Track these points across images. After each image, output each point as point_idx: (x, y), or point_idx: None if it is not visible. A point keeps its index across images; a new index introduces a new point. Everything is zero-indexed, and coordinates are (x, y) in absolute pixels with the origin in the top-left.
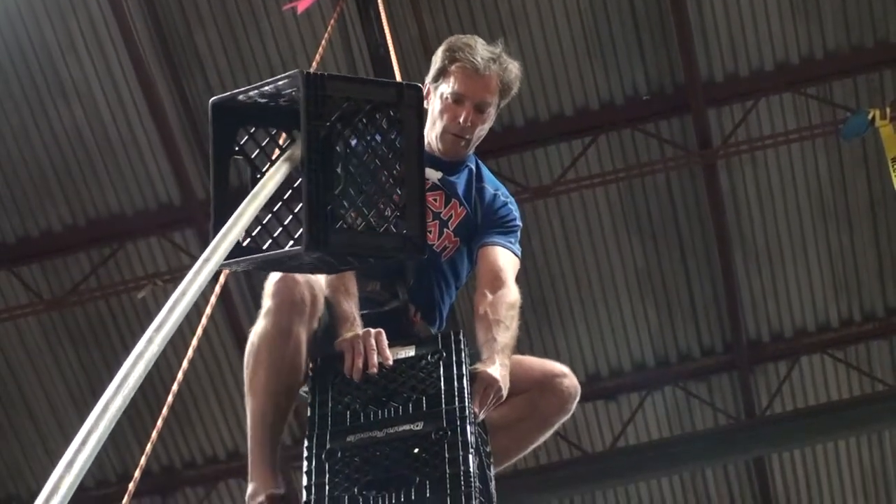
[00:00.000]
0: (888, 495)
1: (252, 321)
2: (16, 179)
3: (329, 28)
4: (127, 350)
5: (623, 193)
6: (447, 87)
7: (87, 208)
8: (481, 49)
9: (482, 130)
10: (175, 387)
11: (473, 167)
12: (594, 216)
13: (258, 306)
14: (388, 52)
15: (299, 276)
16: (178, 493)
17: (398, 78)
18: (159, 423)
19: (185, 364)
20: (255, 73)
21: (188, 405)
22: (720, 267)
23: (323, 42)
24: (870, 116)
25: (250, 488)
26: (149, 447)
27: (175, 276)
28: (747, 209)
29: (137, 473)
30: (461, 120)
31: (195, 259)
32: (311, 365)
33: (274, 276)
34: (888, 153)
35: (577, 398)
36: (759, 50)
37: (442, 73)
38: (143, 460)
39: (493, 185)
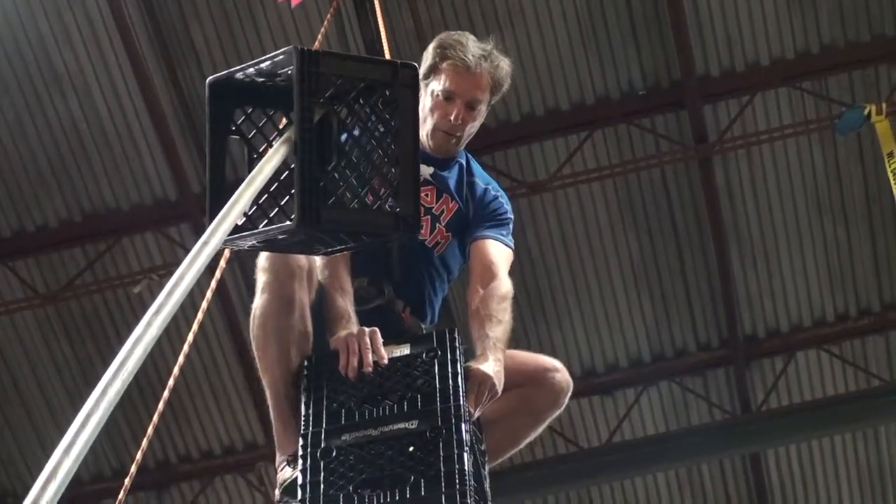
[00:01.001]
0: (883, 490)
1: (247, 314)
2: (11, 173)
3: (325, 22)
4: (122, 344)
5: (619, 188)
6: (438, 85)
7: (83, 203)
8: (472, 46)
9: (473, 128)
10: (171, 381)
11: (464, 162)
12: (590, 211)
13: (253, 298)
14: (383, 46)
15: None
16: (173, 488)
17: None
18: (155, 417)
19: (180, 358)
20: None
21: (184, 400)
22: (716, 262)
23: (319, 36)
24: (865, 111)
25: (278, 459)
26: (145, 442)
27: (171, 270)
28: (743, 204)
29: (133, 468)
30: (452, 117)
31: None
32: (305, 363)
33: None
34: (884, 148)
35: (570, 393)
36: (755, 45)
37: (433, 71)
38: (139, 455)
39: (483, 180)
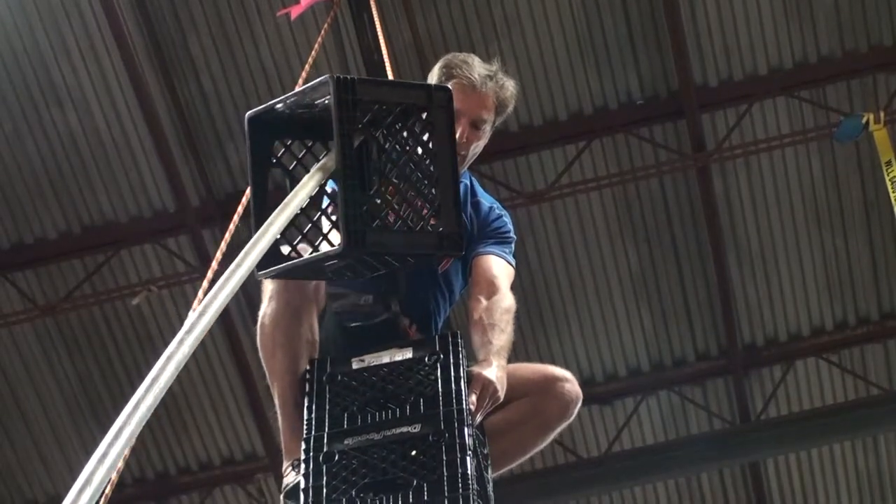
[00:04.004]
0: (883, 498)
1: (246, 326)
2: (10, 186)
3: (322, 33)
4: (121, 356)
5: (617, 198)
6: None
7: (82, 214)
8: (478, 66)
9: (477, 147)
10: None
11: (468, 182)
12: (588, 221)
13: (252, 310)
14: (381, 56)
15: None
16: (172, 500)
17: None
18: (147, 431)
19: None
20: (249, 77)
21: (183, 412)
22: (714, 271)
23: (315, 46)
24: (864, 120)
25: (284, 465)
26: (127, 450)
27: (169, 282)
28: (741, 213)
29: (115, 476)
30: (457, 136)
31: (190, 265)
32: (307, 367)
33: None
34: (882, 157)
35: (579, 404)
36: (753, 54)
37: None
38: (121, 465)
39: (487, 200)
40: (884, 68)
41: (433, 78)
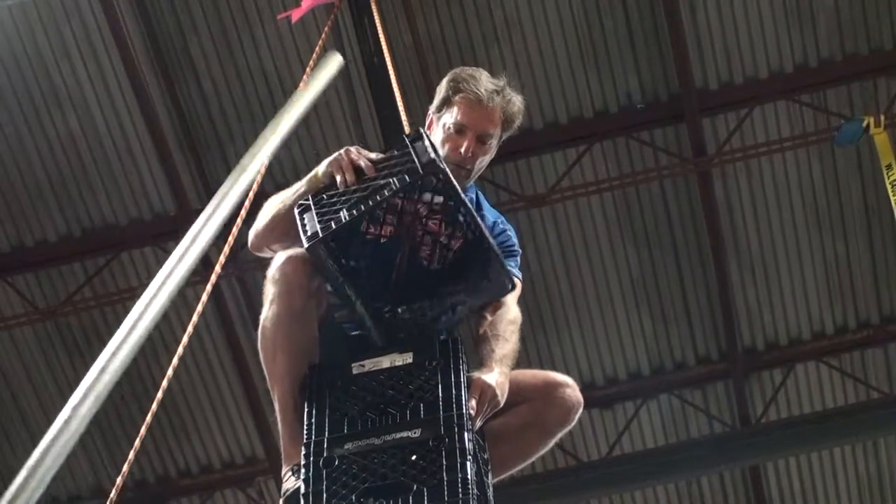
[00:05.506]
0: (884, 503)
1: (247, 329)
2: (10, 188)
3: (323, 36)
4: None
5: (618, 202)
6: (450, 118)
7: (82, 218)
8: (485, 81)
9: (483, 162)
10: (160, 394)
11: (473, 196)
12: (589, 224)
13: (253, 314)
14: (382, 60)
15: (304, 258)
16: (172, 502)
17: (394, 86)
18: (143, 430)
19: (169, 372)
20: (250, 80)
21: (183, 415)
22: (715, 275)
23: (316, 49)
24: (864, 124)
25: (284, 469)
26: (132, 454)
27: None
28: (742, 217)
29: (120, 480)
30: (462, 150)
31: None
32: (308, 372)
33: (277, 262)
34: (882, 160)
35: (580, 410)
36: (754, 58)
37: (445, 103)
38: (125, 468)
39: (492, 214)
40: (884, 72)
41: (440, 92)
